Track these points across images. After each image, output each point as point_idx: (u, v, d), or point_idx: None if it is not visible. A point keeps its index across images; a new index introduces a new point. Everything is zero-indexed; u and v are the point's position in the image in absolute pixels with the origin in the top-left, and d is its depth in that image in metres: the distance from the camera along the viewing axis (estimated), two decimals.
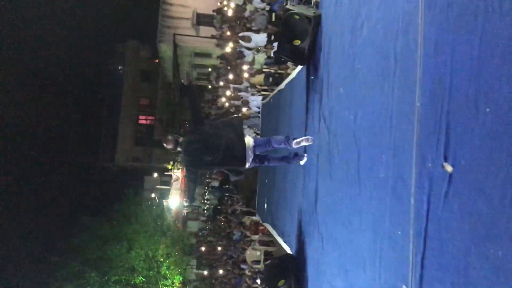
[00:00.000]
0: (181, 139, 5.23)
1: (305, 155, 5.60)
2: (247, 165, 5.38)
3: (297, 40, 5.25)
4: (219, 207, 25.66)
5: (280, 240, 6.88)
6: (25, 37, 42.81)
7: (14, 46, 42.51)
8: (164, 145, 5.35)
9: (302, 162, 5.62)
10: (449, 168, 2.29)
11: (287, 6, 5.32)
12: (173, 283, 25.04)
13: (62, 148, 45.13)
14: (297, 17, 5.12)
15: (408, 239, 2.63)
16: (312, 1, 5.38)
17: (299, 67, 6.19)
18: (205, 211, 32.48)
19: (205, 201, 31.39)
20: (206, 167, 5.78)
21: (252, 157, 5.38)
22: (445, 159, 2.33)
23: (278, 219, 7.18)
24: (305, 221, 5.36)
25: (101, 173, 42.34)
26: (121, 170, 43.74)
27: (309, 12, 5.15)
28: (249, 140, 5.53)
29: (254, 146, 5.46)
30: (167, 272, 24.87)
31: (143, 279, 23.62)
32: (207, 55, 27.87)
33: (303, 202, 5.47)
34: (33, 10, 43.36)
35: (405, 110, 2.79)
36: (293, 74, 6.62)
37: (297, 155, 5.67)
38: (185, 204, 30.12)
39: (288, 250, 6.26)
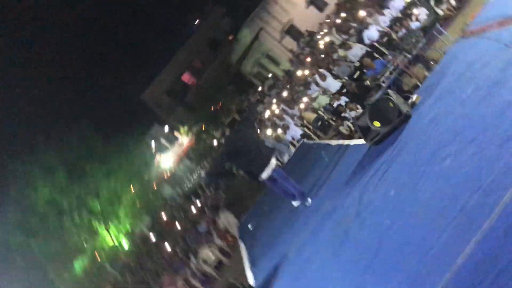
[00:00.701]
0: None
1: (310, 199, 6.36)
2: (264, 175, 6.46)
3: (377, 122, 5.45)
4: (199, 192, 25.77)
5: (246, 265, 7.03)
6: None
7: None
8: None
9: (307, 204, 6.39)
10: None
11: (389, 92, 5.49)
12: (118, 228, 25.10)
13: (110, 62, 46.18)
14: (391, 104, 5.32)
15: None
16: (410, 100, 5.58)
17: (361, 141, 6.38)
18: (186, 187, 32.62)
19: (191, 178, 31.52)
20: (234, 161, 6.83)
21: (269, 174, 6.42)
22: None
23: (257, 248, 7.34)
24: (283, 271, 5.52)
25: (126, 97, 43.00)
26: (142, 104, 44.39)
27: (404, 107, 5.35)
28: (273, 161, 6.68)
29: (274, 170, 6.53)
30: (121, 216, 25.01)
31: (99, 209, 23.74)
32: (276, 62, 28.18)
33: (293, 256, 5.62)
34: None
35: (444, 257, 2.94)
36: (351, 142, 6.81)
37: (303, 195, 6.46)
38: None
39: (249, 279, 6.46)
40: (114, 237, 24.80)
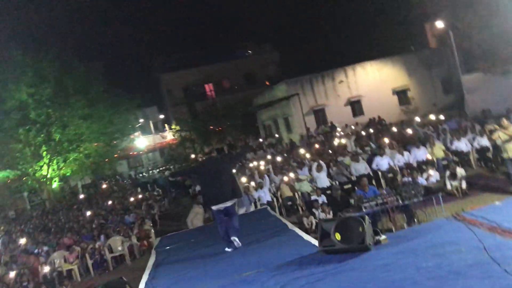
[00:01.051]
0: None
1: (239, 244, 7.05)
2: (219, 206, 7.14)
3: (339, 235, 5.44)
4: (148, 186, 25.44)
5: (145, 276, 6.81)
6: None
7: None
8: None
9: (235, 244, 7.04)
10: None
11: (365, 218, 5.51)
12: (59, 166, 24.50)
13: None
14: (360, 229, 5.34)
15: None
16: (378, 237, 5.59)
17: (314, 241, 6.36)
18: (140, 174, 32.21)
19: (150, 171, 31.15)
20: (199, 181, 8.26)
21: (223, 208, 7.18)
22: None
23: (164, 267, 7.12)
24: None
25: (148, 66, 43.60)
26: (155, 82, 44.82)
27: (369, 239, 5.36)
28: (232, 202, 7.45)
29: (230, 205, 7.31)
30: (70, 159, 24.49)
31: (56, 139, 23.24)
32: (289, 129, 28.58)
33: None
34: None
35: None
36: (306, 236, 6.78)
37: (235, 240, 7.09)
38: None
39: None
40: (51, 171, 24.12)
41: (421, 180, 10.64)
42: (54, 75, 23.14)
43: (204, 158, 29.33)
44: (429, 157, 12.97)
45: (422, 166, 12.29)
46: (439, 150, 13.16)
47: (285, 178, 13.76)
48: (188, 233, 9.11)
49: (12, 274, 10.98)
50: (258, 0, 72.36)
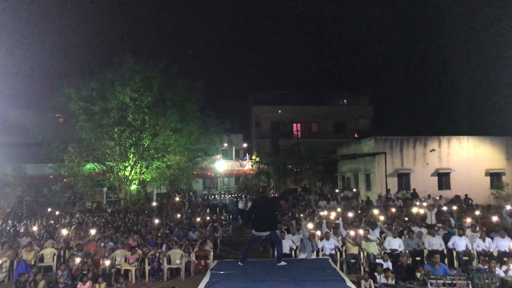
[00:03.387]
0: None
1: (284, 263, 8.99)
2: (268, 232, 9.10)
3: None
4: (214, 209, 25.82)
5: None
6: None
7: None
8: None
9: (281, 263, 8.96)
10: None
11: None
12: (141, 170, 25.68)
13: None
14: None
15: None
16: None
17: None
18: (212, 197, 32.89)
19: (221, 196, 31.69)
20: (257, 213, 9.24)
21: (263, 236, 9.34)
22: None
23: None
24: None
25: (244, 98, 44.91)
26: (246, 113, 46.13)
27: None
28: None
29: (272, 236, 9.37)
30: (153, 167, 25.61)
31: (145, 145, 24.48)
32: (368, 185, 27.93)
33: None
34: None
35: None
36: None
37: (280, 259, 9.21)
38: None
39: None
40: (133, 173, 25.39)
41: (499, 271, 9.81)
42: (158, 86, 24.58)
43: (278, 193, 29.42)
44: None
45: (503, 258, 11.36)
46: None
47: (352, 233, 13.37)
48: (247, 263, 9.09)
49: (77, 260, 11.61)
50: (364, 51, 72.65)
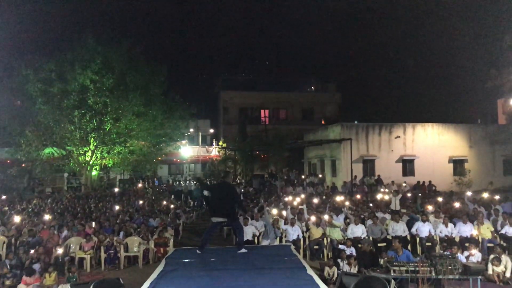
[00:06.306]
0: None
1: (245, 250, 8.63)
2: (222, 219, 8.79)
3: None
4: (179, 195, 25.28)
5: (148, 282, 6.48)
6: None
7: None
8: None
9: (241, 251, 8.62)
10: None
11: (392, 282, 4.94)
12: (103, 156, 24.90)
13: None
14: None
15: None
16: None
17: None
18: (177, 182, 32.29)
19: (186, 181, 31.13)
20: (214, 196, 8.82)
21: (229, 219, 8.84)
22: None
23: (169, 278, 6.75)
24: None
25: (211, 82, 44.05)
26: (214, 98, 45.42)
27: None
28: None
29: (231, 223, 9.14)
30: (115, 151, 24.85)
31: (106, 129, 23.69)
32: (334, 171, 27.92)
33: None
34: None
35: None
36: (322, 285, 6.22)
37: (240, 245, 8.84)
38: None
39: None
40: (94, 158, 24.57)
41: (461, 257, 9.75)
42: (120, 67, 23.77)
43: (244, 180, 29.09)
44: (475, 234, 12.03)
45: (465, 243, 11.35)
46: (486, 231, 12.20)
47: (313, 218, 13.16)
48: (206, 250, 8.69)
49: (32, 251, 10.96)
50: (332, 40, 72.78)
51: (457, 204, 15.65)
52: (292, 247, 9.74)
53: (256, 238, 12.73)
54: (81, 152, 24.12)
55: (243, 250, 8.62)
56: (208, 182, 26.39)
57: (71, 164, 24.74)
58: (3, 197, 22.69)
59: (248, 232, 12.39)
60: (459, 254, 9.83)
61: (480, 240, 11.92)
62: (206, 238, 9.01)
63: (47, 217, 14.83)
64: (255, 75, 48.12)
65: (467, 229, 12.34)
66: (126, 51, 24.28)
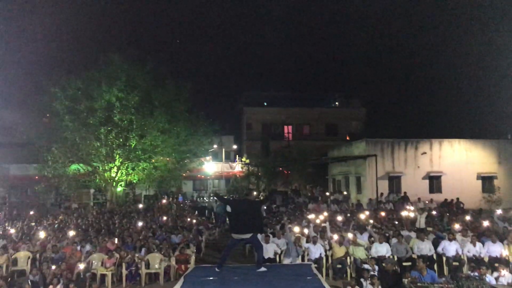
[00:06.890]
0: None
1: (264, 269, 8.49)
2: (248, 235, 8.45)
3: None
4: (202, 211, 25.29)
5: None
6: None
7: None
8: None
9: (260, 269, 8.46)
10: None
11: None
12: (128, 172, 25.11)
13: None
14: None
15: None
16: None
17: None
18: (200, 198, 32.35)
19: (209, 198, 31.10)
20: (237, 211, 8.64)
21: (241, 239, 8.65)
22: None
23: None
24: None
25: (235, 99, 44.27)
26: (238, 113, 45.58)
27: None
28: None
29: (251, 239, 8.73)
30: (139, 168, 25.05)
31: (132, 146, 23.96)
32: (358, 188, 27.56)
33: None
34: None
35: None
36: None
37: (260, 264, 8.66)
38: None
39: None
40: (120, 174, 24.84)
41: (490, 278, 9.38)
42: (145, 85, 24.08)
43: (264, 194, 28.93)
44: (505, 255, 11.59)
45: (494, 264, 10.94)
46: None
47: (335, 237, 12.92)
48: (225, 268, 8.60)
49: (53, 267, 11.07)
50: (357, 54, 72.51)
51: (485, 223, 15.15)
52: (313, 266, 9.57)
53: (278, 256, 12.58)
54: (106, 168, 24.40)
55: (263, 269, 8.49)
56: (227, 196, 26.25)
57: (97, 180, 25.04)
58: (31, 212, 23.10)
59: (270, 250, 12.26)
60: (487, 275, 9.46)
61: (510, 260, 11.47)
62: (225, 255, 8.98)
63: (71, 233, 14.99)
64: (279, 90, 48.20)
65: (497, 249, 11.91)
66: (152, 69, 24.64)
